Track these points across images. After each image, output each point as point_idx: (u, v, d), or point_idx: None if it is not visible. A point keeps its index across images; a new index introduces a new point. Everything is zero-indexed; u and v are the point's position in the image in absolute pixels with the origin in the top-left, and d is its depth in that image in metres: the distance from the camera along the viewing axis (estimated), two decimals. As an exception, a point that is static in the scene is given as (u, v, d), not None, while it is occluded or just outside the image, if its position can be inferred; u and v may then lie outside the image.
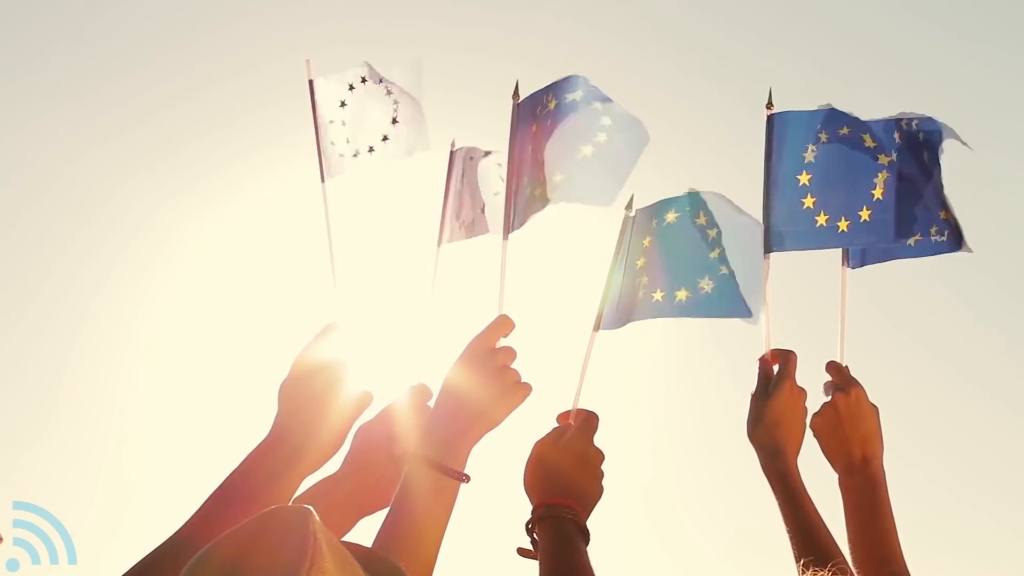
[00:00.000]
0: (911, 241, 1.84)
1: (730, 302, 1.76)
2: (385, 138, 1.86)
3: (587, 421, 1.67)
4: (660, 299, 1.78)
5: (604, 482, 1.65)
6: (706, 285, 1.77)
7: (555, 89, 1.74)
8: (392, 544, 1.33)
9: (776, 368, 1.78)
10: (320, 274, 1.73)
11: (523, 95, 1.74)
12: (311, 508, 0.84)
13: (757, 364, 1.80)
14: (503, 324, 1.56)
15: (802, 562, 1.45)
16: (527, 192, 1.71)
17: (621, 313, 1.78)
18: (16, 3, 5.04)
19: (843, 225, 1.77)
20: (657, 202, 1.80)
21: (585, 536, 1.56)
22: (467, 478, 1.43)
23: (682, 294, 1.78)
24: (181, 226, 4.69)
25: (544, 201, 1.70)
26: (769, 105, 1.81)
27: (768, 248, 1.78)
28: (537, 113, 1.73)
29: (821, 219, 1.78)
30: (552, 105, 1.73)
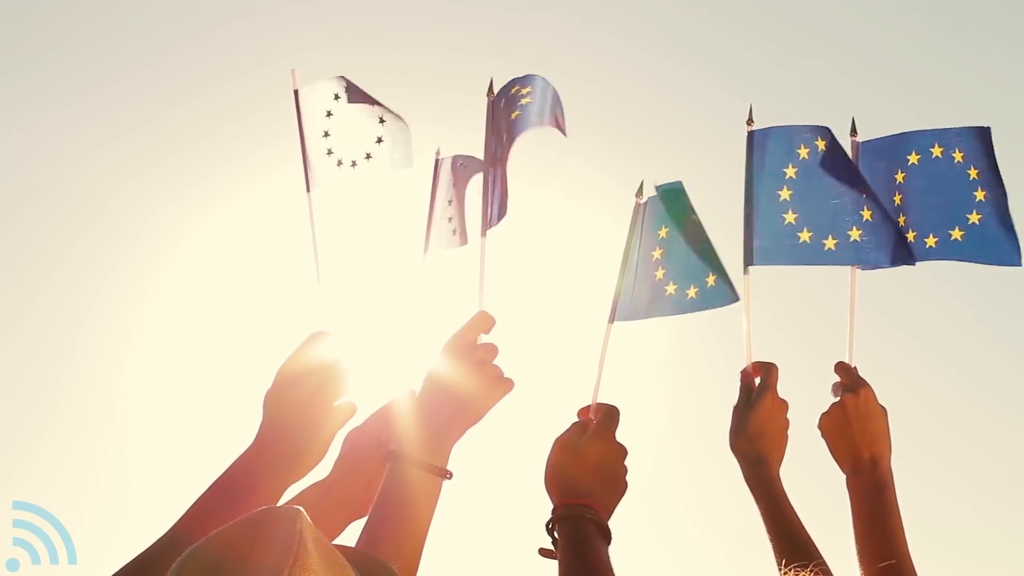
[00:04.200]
0: (930, 242, 1.82)
1: (726, 290, 1.77)
2: (368, 156, 1.85)
3: (608, 417, 1.65)
4: (674, 292, 1.77)
5: (628, 477, 1.63)
6: (711, 279, 1.77)
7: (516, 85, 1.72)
8: (377, 543, 1.33)
9: (758, 380, 1.80)
10: (319, 277, 1.72)
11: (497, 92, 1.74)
12: (301, 508, 0.84)
13: (739, 376, 1.82)
14: (483, 320, 1.56)
15: (784, 562, 1.46)
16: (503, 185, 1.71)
17: (637, 305, 1.77)
18: (16, 3, 5.04)
19: (830, 243, 1.79)
20: (670, 190, 1.79)
21: (606, 536, 1.55)
22: (450, 475, 1.42)
23: (692, 291, 1.77)
24: (181, 226, 4.69)
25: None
26: (749, 122, 1.84)
27: (748, 262, 1.80)
28: (505, 109, 1.72)
29: (804, 235, 1.80)
30: (527, 98, 1.72)
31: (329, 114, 1.83)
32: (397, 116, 1.86)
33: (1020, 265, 1.78)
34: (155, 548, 1.24)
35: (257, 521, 0.84)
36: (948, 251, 1.81)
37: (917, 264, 1.83)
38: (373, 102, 1.84)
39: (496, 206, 1.70)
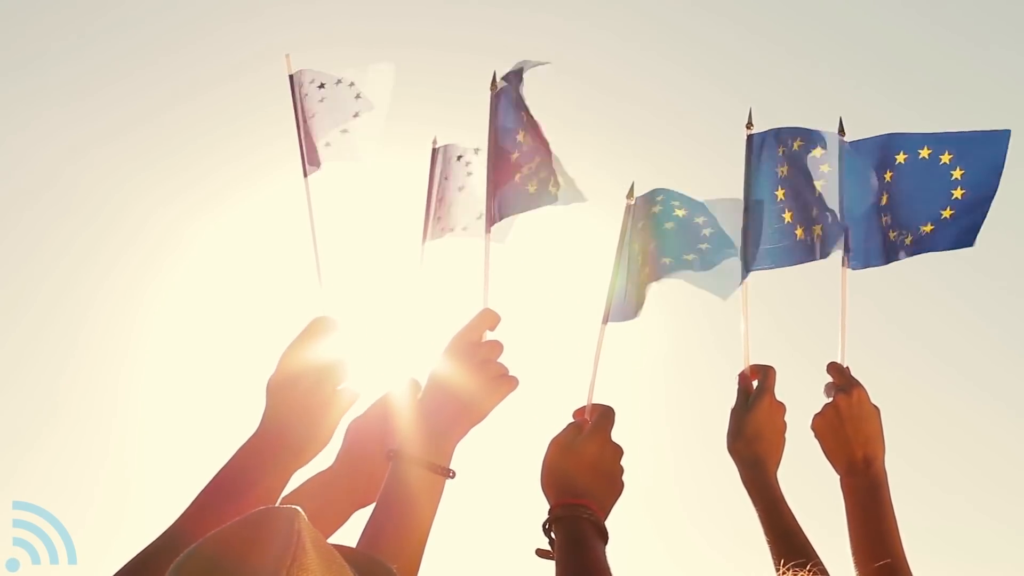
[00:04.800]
0: (907, 239, 1.83)
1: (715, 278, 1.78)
2: (344, 131, 1.85)
3: (603, 417, 1.64)
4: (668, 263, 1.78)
5: (624, 477, 1.63)
6: (691, 256, 1.78)
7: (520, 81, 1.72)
8: (378, 542, 1.33)
9: (755, 383, 1.81)
10: (318, 263, 1.72)
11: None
12: (299, 508, 0.84)
13: (737, 379, 1.82)
14: (487, 318, 1.55)
15: (782, 563, 1.46)
16: (522, 186, 1.70)
17: (629, 305, 1.78)
18: (16, 3, 5.04)
19: (817, 232, 1.81)
20: (651, 190, 1.80)
21: (603, 535, 1.54)
22: (452, 474, 1.42)
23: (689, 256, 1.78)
24: (181, 226, 4.70)
25: (545, 197, 1.69)
26: (749, 125, 1.84)
27: (748, 267, 1.81)
28: (524, 104, 1.71)
29: (799, 232, 1.81)
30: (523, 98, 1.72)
31: (322, 100, 1.84)
32: (376, 108, 1.85)
33: (972, 245, 1.77)
34: (160, 542, 1.24)
35: (255, 521, 0.84)
36: (919, 247, 1.81)
37: (899, 262, 1.84)
38: (357, 96, 1.84)
39: (499, 203, 1.70)
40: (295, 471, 1.40)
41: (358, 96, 1.84)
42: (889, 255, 1.83)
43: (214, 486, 1.33)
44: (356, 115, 1.85)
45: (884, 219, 1.83)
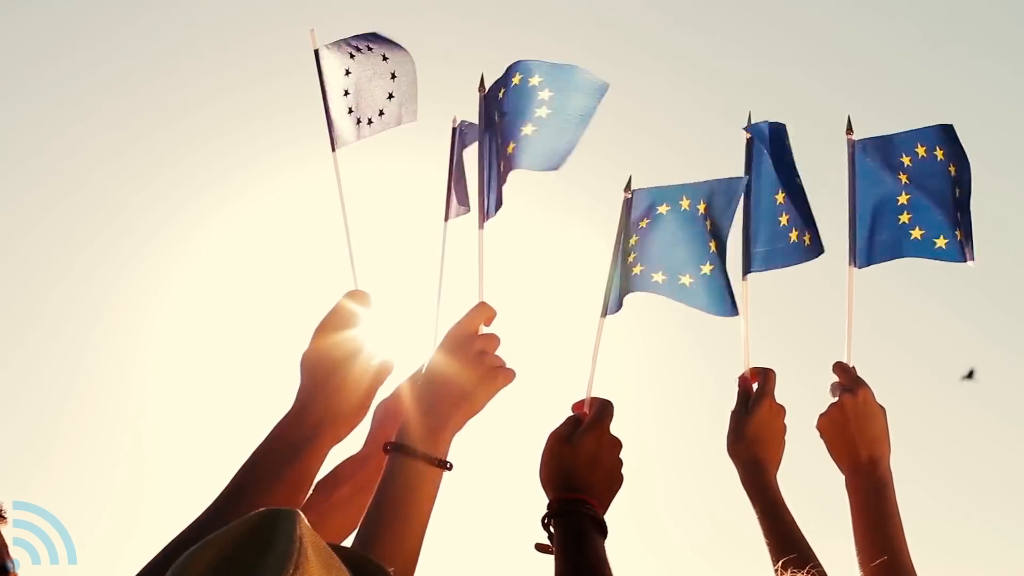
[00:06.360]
0: (941, 241, 1.82)
1: (716, 298, 1.77)
2: (381, 112, 1.86)
3: (602, 410, 1.64)
4: (661, 281, 1.76)
5: (623, 470, 1.63)
6: (696, 275, 1.77)
7: (504, 77, 1.72)
8: (376, 535, 1.34)
9: (755, 386, 1.81)
10: (336, 274, 1.72)
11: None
12: (300, 512, 0.84)
13: (737, 382, 1.83)
14: (483, 311, 1.56)
15: (781, 563, 1.46)
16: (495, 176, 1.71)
17: (623, 295, 1.77)
18: (20, 6, 5.06)
19: (806, 239, 1.81)
20: (659, 187, 1.78)
21: (602, 530, 1.55)
22: (450, 466, 1.43)
23: (686, 279, 1.76)
24: (197, 228, 4.72)
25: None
26: (747, 129, 1.83)
27: (747, 269, 1.81)
28: (495, 102, 1.73)
29: (793, 235, 1.81)
30: (501, 93, 1.72)
31: (348, 72, 1.85)
32: (406, 63, 1.85)
33: (965, 261, 1.79)
34: (200, 522, 1.26)
35: (257, 526, 0.84)
36: (955, 254, 1.81)
37: (933, 263, 1.84)
38: (384, 57, 1.86)
39: (493, 198, 1.70)
40: (332, 444, 1.42)
41: (385, 58, 1.86)
42: (906, 250, 1.82)
43: (252, 461, 1.34)
44: (393, 76, 1.86)
45: (905, 217, 1.82)
